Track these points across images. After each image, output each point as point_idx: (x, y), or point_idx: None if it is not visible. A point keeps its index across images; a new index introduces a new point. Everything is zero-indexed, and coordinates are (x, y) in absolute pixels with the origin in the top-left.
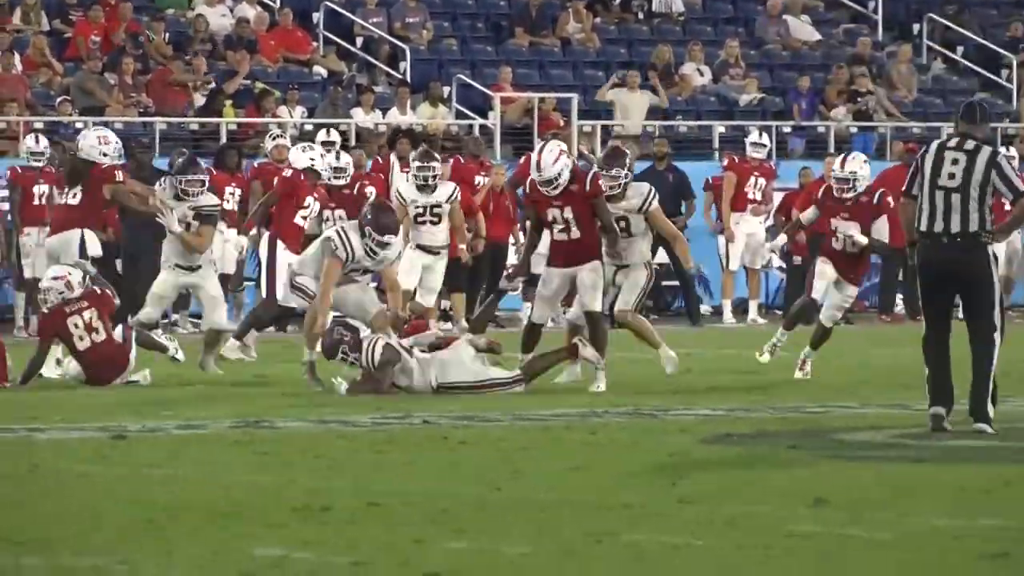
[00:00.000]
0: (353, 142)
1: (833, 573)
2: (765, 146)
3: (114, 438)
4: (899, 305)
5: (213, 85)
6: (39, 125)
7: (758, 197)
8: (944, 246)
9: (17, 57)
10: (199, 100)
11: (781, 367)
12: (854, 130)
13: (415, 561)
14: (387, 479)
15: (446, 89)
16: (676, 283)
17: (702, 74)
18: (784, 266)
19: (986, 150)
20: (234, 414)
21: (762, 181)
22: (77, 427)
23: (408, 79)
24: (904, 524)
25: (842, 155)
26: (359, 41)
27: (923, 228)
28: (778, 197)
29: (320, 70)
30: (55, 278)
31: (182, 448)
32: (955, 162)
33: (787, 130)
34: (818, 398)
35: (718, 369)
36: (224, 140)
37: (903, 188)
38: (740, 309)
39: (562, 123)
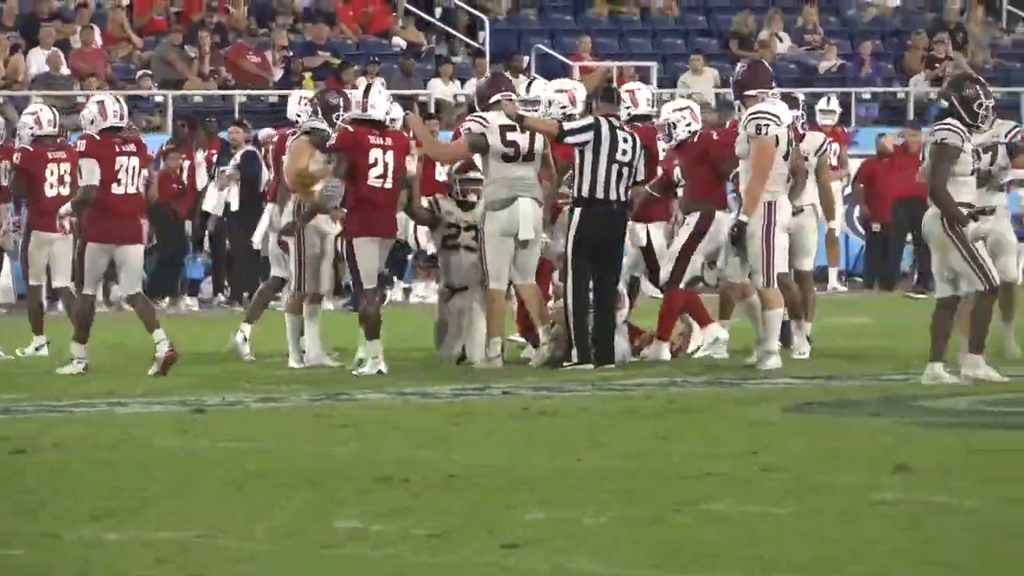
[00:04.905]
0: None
1: (918, 540)
2: (834, 112)
3: (194, 412)
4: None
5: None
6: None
7: (833, 162)
8: (613, 212)
9: (97, 31)
10: (278, 73)
11: (865, 335)
12: (933, 96)
13: (495, 532)
14: (467, 450)
15: (524, 59)
16: None
17: (781, 40)
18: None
19: (637, 137)
20: (313, 387)
21: (836, 146)
22: (158, 401)
23: (487, 49)
24: (989, 490)
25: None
26: (438, 12)
27: (600, 196)
28: (855, 164)
29: (399, 41)
30: None
31: (261, 421)
32: (626, 140)
33: (867, 96)
34: (899, 365)
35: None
36: None
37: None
38: (820, 276)
39: None
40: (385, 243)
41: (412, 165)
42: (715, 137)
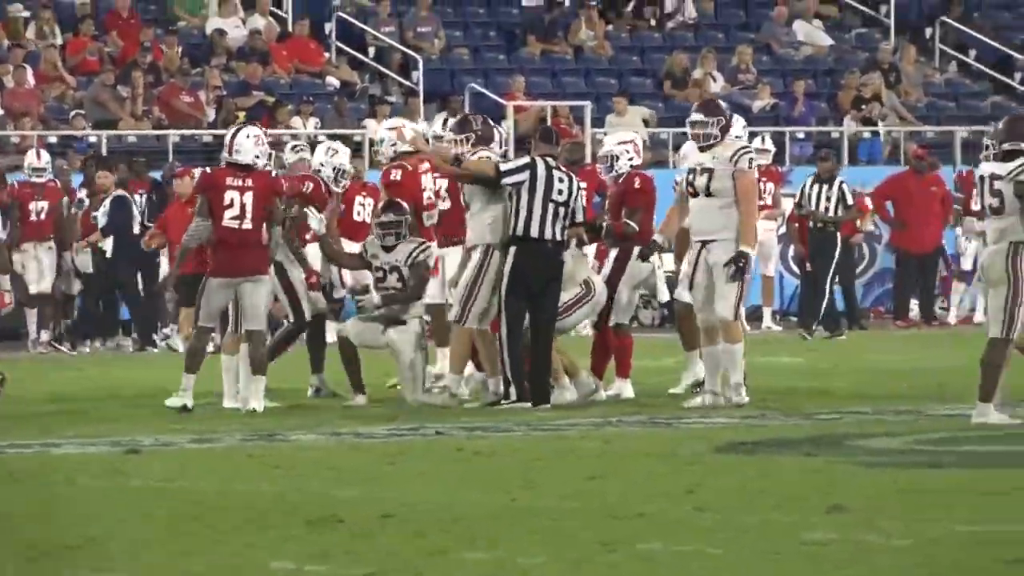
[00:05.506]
0: (367, 153)
1: None
2: (769, 151)
3: (127, 452)
4: (913, 310)
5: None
6: (52, 139)
7: (768, 201)
8: (548, 251)
9: (30, 71)
10: (211, 113)
11: (798, 374)
12: (867, 135)
13: (429, 572)
14: (401, 490)
15: (460, 98)
16: None
17: (715, 80)
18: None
19: (574, 177)
20: (247, 427)
21: (771, 186)
22: (91, 442)
23: (420, 89)
24: (922, 530)
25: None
26: (371, 51)
27: (534, 235)
28: (790, 203)
29: (333, 81)
30: None
31: (195, 461)
32: (562, 180)
33: (801, 136)
34: (832, 405)
35: None
36: None
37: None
38: (754, 316)
39: (576, 131)
40: (249, 281)
41: (314, 222)
42: (636, 185)
